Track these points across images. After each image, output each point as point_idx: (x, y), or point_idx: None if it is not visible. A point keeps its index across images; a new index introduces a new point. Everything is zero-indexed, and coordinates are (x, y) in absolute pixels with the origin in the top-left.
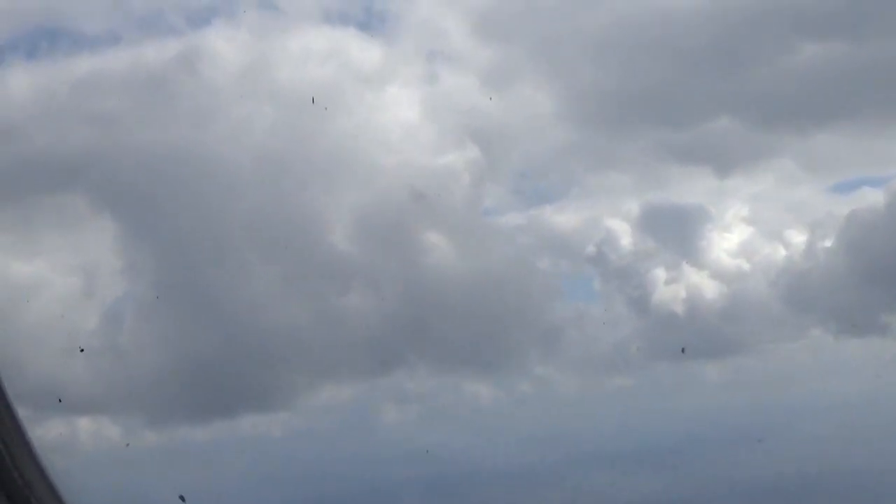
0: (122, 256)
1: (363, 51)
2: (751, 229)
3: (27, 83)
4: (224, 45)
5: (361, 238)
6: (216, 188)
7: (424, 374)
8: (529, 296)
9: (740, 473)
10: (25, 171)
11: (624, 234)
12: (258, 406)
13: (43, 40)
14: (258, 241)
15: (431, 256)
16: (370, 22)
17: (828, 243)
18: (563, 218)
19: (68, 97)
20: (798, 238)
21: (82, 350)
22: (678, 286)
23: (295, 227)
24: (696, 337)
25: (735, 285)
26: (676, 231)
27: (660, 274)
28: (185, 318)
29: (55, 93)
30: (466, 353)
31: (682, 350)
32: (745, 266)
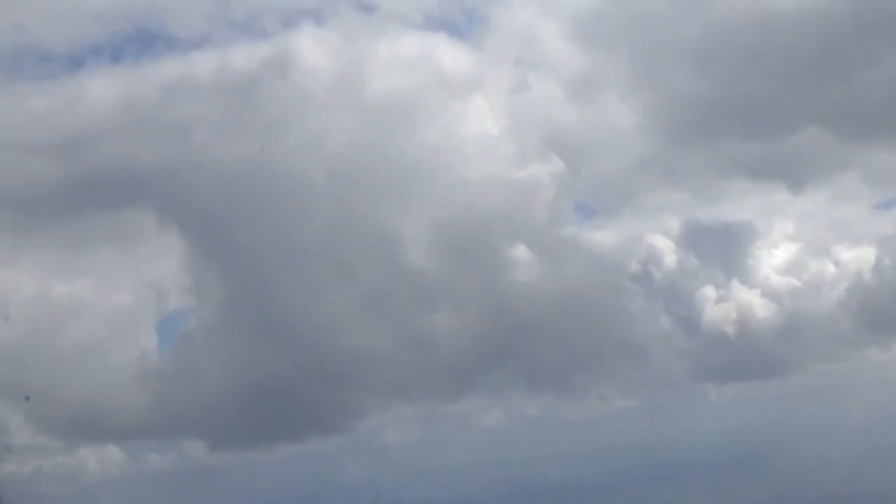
0: (191, 274)
1: (452, 58)
2: (796, 246)
3: (106, 90)
4: (312, 50)
5: (441, 254)
6: (291, 202)
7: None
8: (606, 316)
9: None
10: (94, 184)
11: (670, 252)
12: (325, 428)
13: (132, 43)
14: (334, 257)
15: (513, 274)
16: (463, 27)
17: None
18: (613, 234)
19: (144, 106)
20: (847, 255)
21: (28, 399)
22: (728, 305)
23: (372, 244)
24: (750, 356)
25: (789, 304)
26: (724, 249)
27: (709, 292)
28: (255, 338)
29: (133, 101)
30: (519, 376)
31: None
32: (797, 283)
